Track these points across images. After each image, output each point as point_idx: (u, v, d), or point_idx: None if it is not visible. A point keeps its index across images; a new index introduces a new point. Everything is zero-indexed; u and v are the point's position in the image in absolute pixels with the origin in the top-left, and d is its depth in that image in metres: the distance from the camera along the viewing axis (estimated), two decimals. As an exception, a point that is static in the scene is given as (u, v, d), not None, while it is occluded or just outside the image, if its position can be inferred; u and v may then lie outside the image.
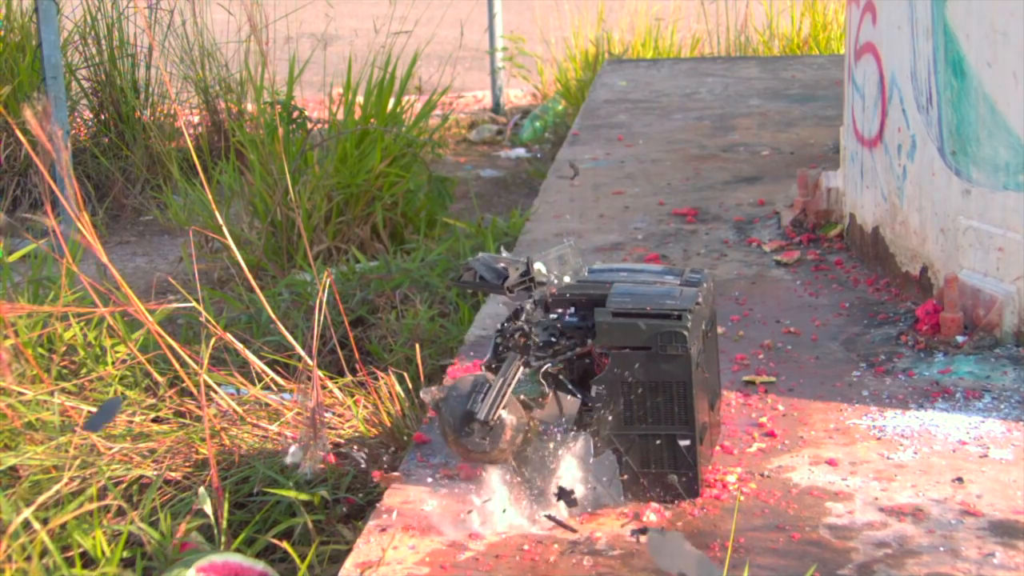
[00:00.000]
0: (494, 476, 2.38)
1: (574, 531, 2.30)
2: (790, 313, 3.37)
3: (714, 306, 2.53)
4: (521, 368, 2.34)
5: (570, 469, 2.35)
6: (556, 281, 2.40)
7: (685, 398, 2.31)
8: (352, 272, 4.02)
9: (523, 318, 2.37)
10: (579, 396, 2.36)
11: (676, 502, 2.37)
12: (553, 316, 2.39)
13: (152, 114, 6.11)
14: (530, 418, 2.34)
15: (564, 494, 2.32)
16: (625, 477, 2.37)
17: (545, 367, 2.35)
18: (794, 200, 4.12)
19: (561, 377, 2.38)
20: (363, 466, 2.66)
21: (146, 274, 4.94)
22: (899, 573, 2.14)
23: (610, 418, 2.34)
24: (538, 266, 2.39)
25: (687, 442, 2.33)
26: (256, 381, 2.98)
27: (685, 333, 2.28)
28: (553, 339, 2.37)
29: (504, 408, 2.31)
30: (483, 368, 2.40)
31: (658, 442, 2.34)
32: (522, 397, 2.33)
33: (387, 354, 3.48)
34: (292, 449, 2.50)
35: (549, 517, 2.32)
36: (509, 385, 2.32)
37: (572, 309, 2.40)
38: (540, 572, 2.19)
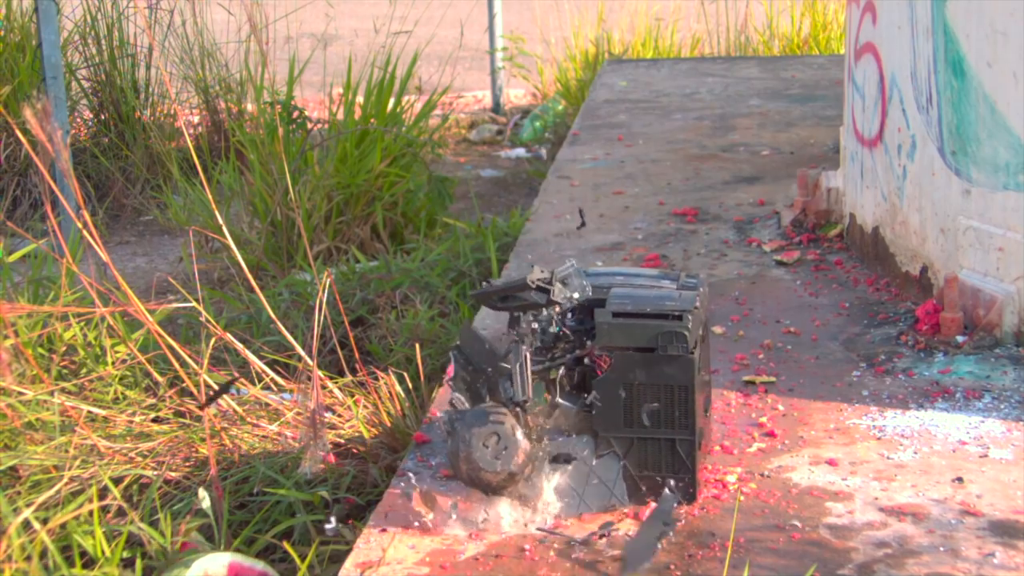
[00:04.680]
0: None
1: (566, 535, 2.29)
2: (790, 313, 3.37)
3: (708, 311, 2.52)
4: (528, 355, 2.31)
5: (570, 471, 2.35)
6: (568, 303, 2.38)
7: (686, 402, 2.31)
8: (352, 272, 4.02)
9: (523, 324, 2.36)
10: (576, 407, 2.35)
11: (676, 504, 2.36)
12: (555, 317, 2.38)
13: (152, 114, 6.11)
14: (538, 448, 2.32)
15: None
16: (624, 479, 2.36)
17: (550, 374, 2.35)
18: (794, 200, 4.12)
19: (563, 381, 2.37)
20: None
21: (146, 274, 4.94)
22: (899, 573, 2.14)
23: (611, 419, 2.33)
24: (559, 286, 2.37)
25: (687, 446, 2.33)
26: (256, 381, 2.98)
27: (686, 333, 2.28)
28: (551, 343, 2.37)
29: (520, 432, 2.28)
30: (450, 385, 2.38)
31: (657, 445, 2.33)
32: (528, 418, 2.32)
33: (387, 354, 3.48)
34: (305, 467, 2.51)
35: (541, 530, 2.31)
36: (526, 367, 2.27)
37: (570, 313, 2.39)
38: (540, 572, 2.19)
